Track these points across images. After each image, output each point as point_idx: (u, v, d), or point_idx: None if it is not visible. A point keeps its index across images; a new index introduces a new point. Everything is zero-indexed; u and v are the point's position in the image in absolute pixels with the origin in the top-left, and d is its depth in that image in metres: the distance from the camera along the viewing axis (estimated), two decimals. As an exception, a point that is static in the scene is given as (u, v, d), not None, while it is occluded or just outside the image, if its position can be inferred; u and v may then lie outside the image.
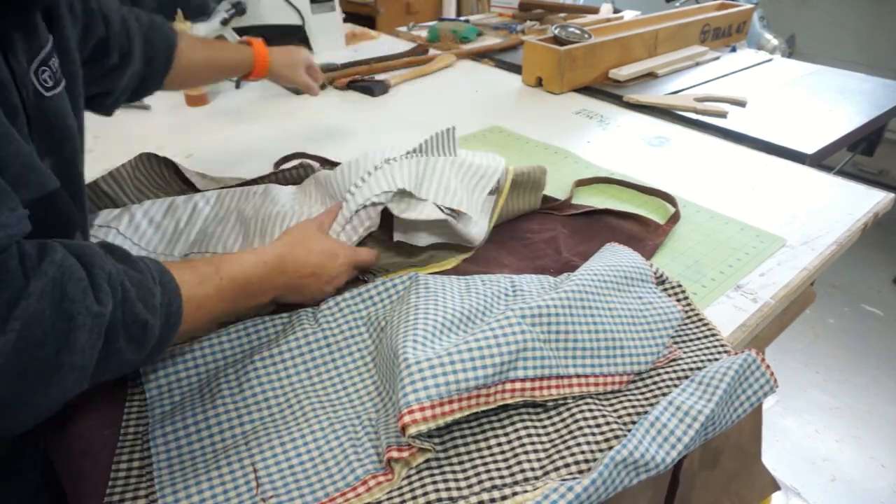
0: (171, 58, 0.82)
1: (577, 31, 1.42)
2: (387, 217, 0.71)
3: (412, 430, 0.47)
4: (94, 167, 0.98)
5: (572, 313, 0.58)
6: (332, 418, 0.53)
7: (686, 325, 0.65)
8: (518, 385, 0.53)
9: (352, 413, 0.54)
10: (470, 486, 0.48)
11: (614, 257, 0.69)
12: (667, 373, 0.59)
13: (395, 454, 0.48)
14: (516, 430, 0.53)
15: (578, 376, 0.56)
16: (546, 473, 0.49)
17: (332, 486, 0.48)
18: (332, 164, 0.94)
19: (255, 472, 0.49)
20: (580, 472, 0.49)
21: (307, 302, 0.66)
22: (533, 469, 0.50)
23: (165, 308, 0.47)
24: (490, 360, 0.51)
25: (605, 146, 1.09)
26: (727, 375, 0.53)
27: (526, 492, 0.46)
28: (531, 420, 0.54)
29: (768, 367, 0.55)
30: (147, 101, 1.26)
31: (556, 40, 1.38)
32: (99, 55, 0.70)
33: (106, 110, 0.79)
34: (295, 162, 0.95)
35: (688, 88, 1.35)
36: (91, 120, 0.72)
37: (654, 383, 0.58)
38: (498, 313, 0.56)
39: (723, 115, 1.21)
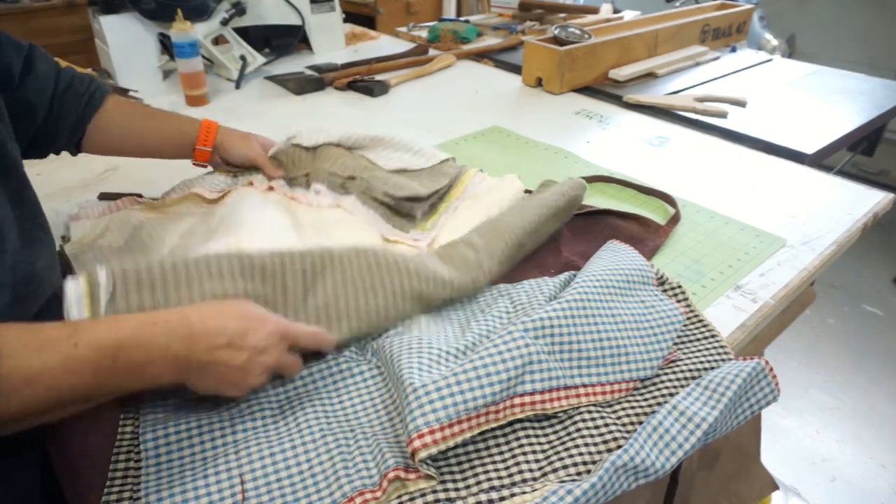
0: (91, 110, 0.76)
1: (577, 32, 1.42)
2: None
3: (422, 454, 0.46)
4: (95, 167, 0.99)
5: (575, 323, 0.58)
6: (326, 430, 0.53)
7: (686, 326, 0.65)
8: (527, 399, 0.53)
9: (346, 426, 0.53)
10: (468, 487, 0.48)
11: (615, 258, 0.69)
12: (666, 374, 0.59)
13: (401, 474, 0.47)
14: (515, 432, 0.53)
15: (585, 386, 0.56)
16: (544, 475, 0.49)
17: (318, 501, 0.47)
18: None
19: (241, 482, 0.48)
20: (578, 474, 0.49)
21: (226, 393, 0.52)
22: (531, 470, 0.49)
23: None
24: (496, 376, 0.51)
25: (604, 146, 1.09)
26: (734, 383, 0.53)
27: (525, 493, 0.46)
28: (530, 422, 0.54)
29: (774, 376, 0.55)
30: (147, 101, 1.25)
31: (556, 40, 1.38)
32: None
33: None
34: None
35: (688, 88, 1.35)
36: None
37: (654, 385, 0.58)
38: (501, 330, 0.56)
39: (723, 115, 1.21)
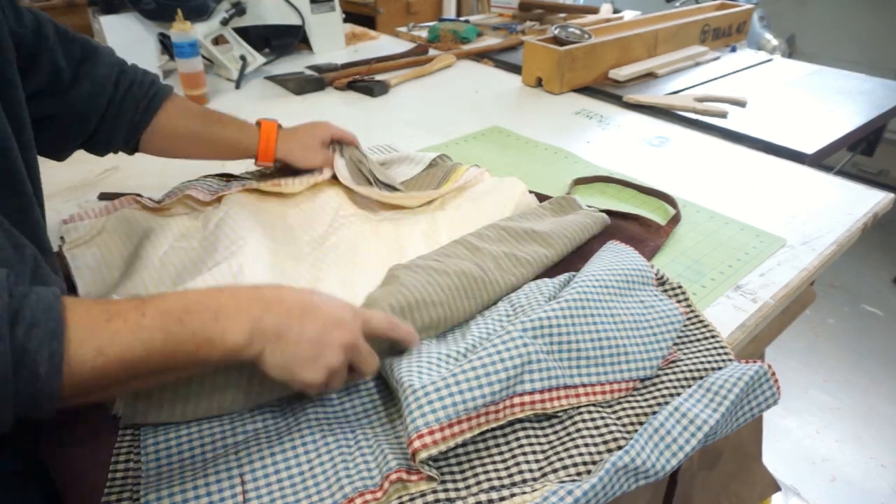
0: (149, 116, 0.76)
1: (577, 31, 1.42)
2: None
3: (422, 455, 0.47)
4: (95, 167, 0.99)
5: (574, 323, 0.58)
6: (326, 431, 0.53)
7: (686, 326, 0.65)
8: (527, 398, 0.53)
9: (346, 426, 0.53)
10: (468, 487, 0.48)
11: (615, 258, 0.69)
12: (666, 375, 0.58)
13: (403, 476, 0.47)
14: (515, 432, 0.53)
15: (584, 385, 0.56)
16: (544, 475, 0.49)
17: (319, 502, 0.47)
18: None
19: (242, 483, 0.48)
20: (578, 474, 0.48)
21: (301, 374, 0.47)
22: (531, 471, 0.49)
23: (18, 350, 0.37)
24: (495, 376, 0.51)
25: (605, 146, 1.09)
26: (737, 386, 0.53)
27: (525, 493, 0.46)
28: (530, 422, 0.54)
29: (776, 380, 0.55)
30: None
31: (556, 40, 1.38)
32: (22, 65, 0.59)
33: (54, 153, 0.71)
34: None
35: (688, 88, 1.35)
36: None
37: (654, 385, 0.58)
38: (500, 331, 0.56)
39: (723, 115, 1.21)
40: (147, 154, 0.80)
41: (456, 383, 0.50)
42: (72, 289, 0.68)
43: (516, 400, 0.52)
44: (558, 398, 0.54)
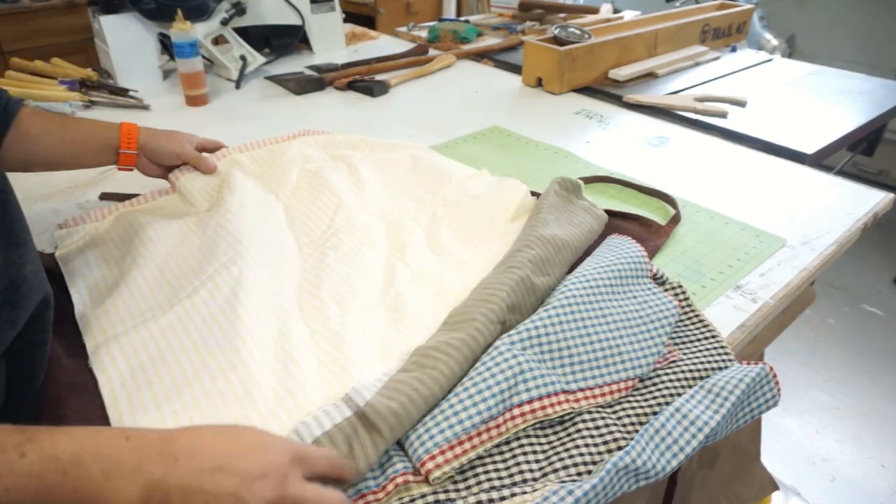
0: (6, 125, 0.71)
1: (577, 31, 1.42)
2: None
3: (432, 477, 0.47)
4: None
5: (563, 329, 0.58)
6: None
7: (686, 325, 0.65)
8: (526, 408, 0.53)
9: None
10: (468, 487, 0.48)
11: (611, 254, 0.69)
12: (666, 375, 0.58)
13: (410, 478, 0.48)
14: (515, 432, 0.53)
15: (582, 390, 0.56)
16: (545, 475, 0.49)
17: None
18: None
19: None
20: (579, 474, 0.49)
21: None
22: (532, 471, 0.49)
23: None
24: (488, 391, 0.51)
25: (605, 146, 1.09)
26: (738, 388, 0.53)
27: (525, 493, 0.46)
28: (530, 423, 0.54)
29: (777, 382, 0.55)
30: (147, 101, 1.26)
31: (556, 40, 1.38)
32: None
33: None
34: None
35: (688, 88, 1.35)
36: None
37: (654, 385, 0.58)
38: (490, 348, 0.56)
39: (723, 115, 1.21)
40: (9, 170, 0.73)
41: (450, 406, 0.51)
42: (65, 294, 0.67)
43: (516, 411, 0.52)
44: (558, 403, 0.54)
